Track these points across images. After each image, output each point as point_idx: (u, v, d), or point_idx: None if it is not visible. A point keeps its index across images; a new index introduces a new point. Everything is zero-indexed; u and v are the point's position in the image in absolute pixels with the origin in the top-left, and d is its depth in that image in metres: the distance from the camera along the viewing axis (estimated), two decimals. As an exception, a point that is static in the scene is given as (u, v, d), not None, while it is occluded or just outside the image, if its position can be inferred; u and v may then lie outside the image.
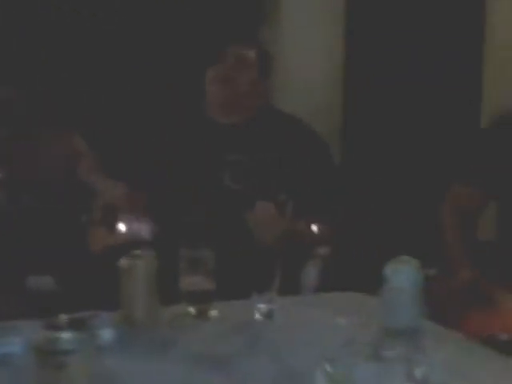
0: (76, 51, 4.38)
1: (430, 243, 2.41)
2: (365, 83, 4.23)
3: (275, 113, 2.81)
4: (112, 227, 2.58)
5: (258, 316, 1.92)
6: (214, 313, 1.95)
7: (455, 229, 2.49)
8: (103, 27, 4.38)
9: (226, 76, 2.67)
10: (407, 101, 4.25)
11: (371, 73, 4.21)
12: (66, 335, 1.40)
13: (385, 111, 4.26)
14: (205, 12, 4.26)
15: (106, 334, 1.74)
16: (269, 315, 1.92)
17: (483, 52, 4.22)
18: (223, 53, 2.69)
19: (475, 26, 4.21)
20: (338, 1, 4.19)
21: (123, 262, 1.89)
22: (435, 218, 2.53)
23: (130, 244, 2.26)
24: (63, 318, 1.45)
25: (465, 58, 4.22)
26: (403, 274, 1.61)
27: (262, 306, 1.92)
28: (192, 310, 1.95)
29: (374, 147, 4.25)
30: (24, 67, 4.08)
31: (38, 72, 4.05)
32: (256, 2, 4.34)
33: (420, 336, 1.62)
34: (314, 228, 2.44)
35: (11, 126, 3.32)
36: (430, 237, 2.49)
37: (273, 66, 2.89)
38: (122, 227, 2.51)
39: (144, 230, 2.51)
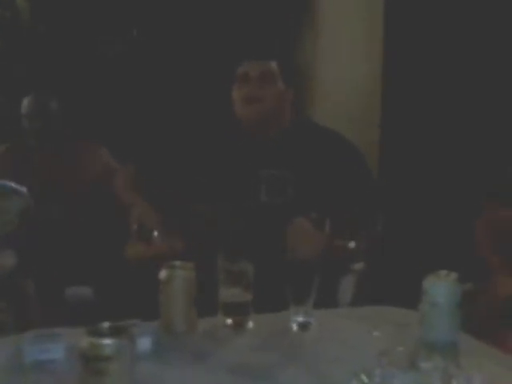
0: (112, 68, 4.45)
1: (467, 258, 2.40)
2: (402, 97, 4.23)
3: (311, 126, 2.79)
4: (148, 239, 2.62)
5: (294, 328, 1.94)
6: (250, 324, 1.96)
7: (492, 242, 2.48)
8: (138, 49, 4.46)
9: (249, 94, 2.64)
10: (445, 116, 4.23)
11: (409, 86, 4.21)
12: (108, 341, 1.42)
13: (422, 125, 4.24)
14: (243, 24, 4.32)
15: (145, 343, 1.76)
16: (305, 327, 1.94)
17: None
18: (242, 70, 2.67)
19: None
20: (376, 12, 4.21)
21: (162, 272, 1.92)
22: (471, 233, 2.53)
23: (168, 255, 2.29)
24: (105, 325, 1.48)
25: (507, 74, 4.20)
26: (442, 288, 1.60)
27: (299, 319, 1.94)
28: (229, 321, 1.96)
29: (411, 160, 4.24)
30: (60, 80, 4.16)
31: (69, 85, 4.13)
32: (293, 17, 4.38)
33: (457, 350, 1.61)
34: (352, 244, 2.44)
35: (42, 137, 3.38)
36: (467, 251, 2.49)
37: (296, 74, 2.84)
38: (157, 239, 2.54)
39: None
